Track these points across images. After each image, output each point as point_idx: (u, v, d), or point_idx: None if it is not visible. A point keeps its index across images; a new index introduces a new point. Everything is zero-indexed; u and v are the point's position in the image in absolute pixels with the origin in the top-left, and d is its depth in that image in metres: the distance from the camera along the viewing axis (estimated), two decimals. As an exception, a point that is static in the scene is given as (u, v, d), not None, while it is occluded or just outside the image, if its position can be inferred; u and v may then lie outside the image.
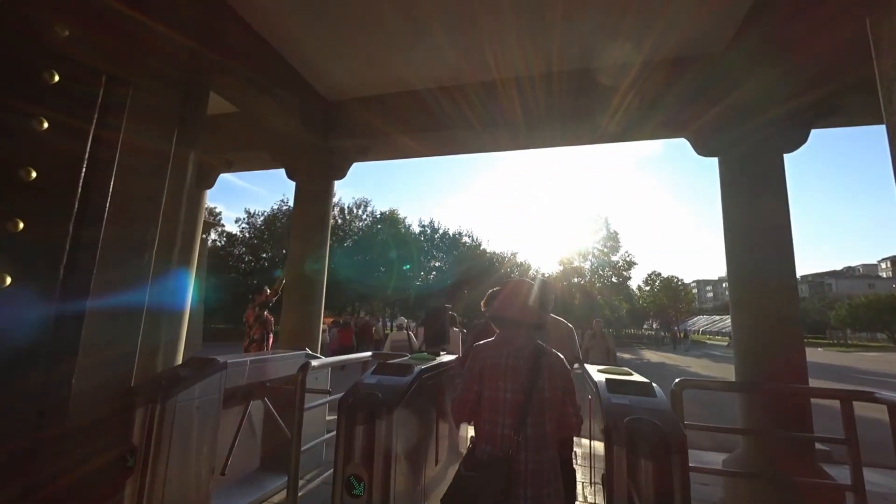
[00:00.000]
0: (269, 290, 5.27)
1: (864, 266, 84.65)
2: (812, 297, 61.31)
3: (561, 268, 37.96)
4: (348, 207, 32.92)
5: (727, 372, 15.14)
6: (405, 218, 35.38)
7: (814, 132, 4.13)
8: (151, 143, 2.68)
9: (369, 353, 3.76)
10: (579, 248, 37.88)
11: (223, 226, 35.68)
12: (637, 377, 2.73)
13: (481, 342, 1.87)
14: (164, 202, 2.81)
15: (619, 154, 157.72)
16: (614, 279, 36.10)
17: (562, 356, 1.81)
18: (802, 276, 79.98)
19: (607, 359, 7.93)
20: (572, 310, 35.17)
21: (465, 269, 31.74)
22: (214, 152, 5.93)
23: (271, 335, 5.28)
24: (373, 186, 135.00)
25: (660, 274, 46.68)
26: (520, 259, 37.88)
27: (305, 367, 2.83)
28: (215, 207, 37.69)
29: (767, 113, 3.97)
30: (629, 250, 38.00)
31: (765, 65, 3.75)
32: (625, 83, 4.13)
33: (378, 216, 33.21)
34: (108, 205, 2.44)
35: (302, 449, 3.27)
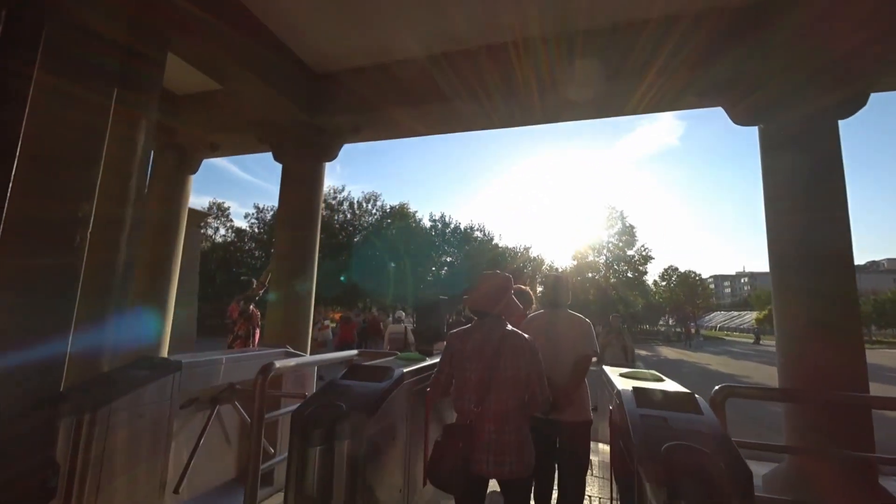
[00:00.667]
0: (255, 284, 4.87)
1: (889, 260, 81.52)
2: (836, 292, 59.00)
3: (575, 262, 37.15)
4: (357, 202, 32.59)
5: (748, 370, 14.38)
6: (416, 212, 34.94)
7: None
8: (82, 98, 2.24)
9: (354, 352, 3.29)
10: (594, 242, 37.00)
11: (231, 220, 35.78)
12: (671, 384, 2.20)
13: (455, 330, 2.03)
14: (100, 173, 2.37)
15: (618, 153, 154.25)
16: (630, 274, 35.12)
17: (528, 338, 1.89)
18: (826, 271, 77.23)
19: (624, 357, 7.37)
20: (587, 305, 34.34)
21: (476, 264, 31.22)
22: (197, 134, 5.53)
23: (258, 331, 4.88)
24: (381, 180, 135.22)
25: (677, 269, 45.36)
26: (533, 253, 37.18)
27: (267, 368, 2.38)
28: (223, 202, 37.68)
29: (821, 72, 3.37)
30: (645, 244, 36.88)
31: (821, 18, 3.15)
32: (662, 42, 3.54)
33: (388, 210, 32.81)
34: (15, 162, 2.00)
35: (270, 463, 2.83)
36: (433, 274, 33.14)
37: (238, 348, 4.74)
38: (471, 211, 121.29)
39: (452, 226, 34.34)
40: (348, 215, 31.64)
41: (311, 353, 11.18)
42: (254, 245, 30.71)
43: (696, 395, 1.82)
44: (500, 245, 35.40)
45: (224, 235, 33.57)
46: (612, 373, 2.52)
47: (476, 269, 30.93)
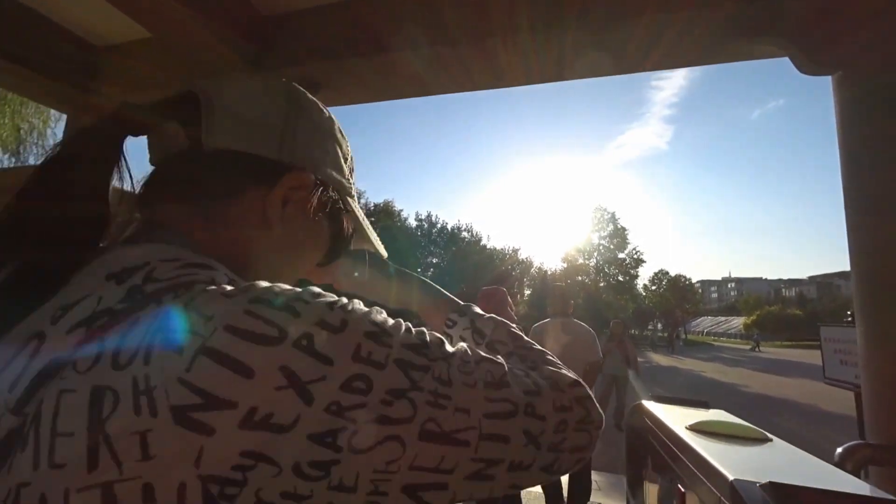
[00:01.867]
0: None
1: None
2: (821, 298, 59.76)
3: (564, 265, 36.60)
4: (342, 199, 31.58)
5: (745, 378, 13.74)
6: (401, 210, 34.01)
7: None
8: None
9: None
10: (583, 245, 36.49)
11: None
12: (800, 453, 1.28)
13: None
14: None
15: (607, 157, 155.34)
16: (620, 277, 34.65)
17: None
18: (810, 277, 78.38)
19: (627, 366, 6.54)
20: (576, 311, 33.71)
21: (464, 266, 30.40)
22: (117, 93, 4.50)
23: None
24: (365, 180, 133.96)
25: (667, 273, 45.15)
26: (522, 255, 36.53)
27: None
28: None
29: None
30: (637, 247, 36.42)
31: None
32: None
33: (372, 208, 31.84)
34: None
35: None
36: (418, 276, 32.15)
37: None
38: (458, 210, 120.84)
39: (439, 226, 33.51)
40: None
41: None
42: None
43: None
44: (488, 246, 34.67)
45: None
46: (672, 419, 1.58)
47: (463, 271, 30.13)
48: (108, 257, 0.29)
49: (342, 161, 0.43)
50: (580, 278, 35.59)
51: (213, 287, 0.26)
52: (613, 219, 35.82)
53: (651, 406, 1.83)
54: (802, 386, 12.12)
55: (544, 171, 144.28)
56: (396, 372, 0.26)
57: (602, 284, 36.32)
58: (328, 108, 0.46)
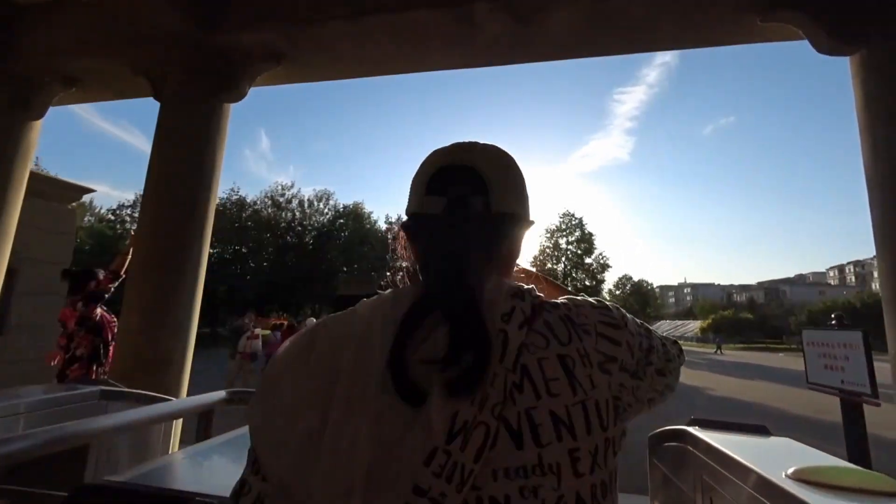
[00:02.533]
0: (102, 274, 3.16)
1: (814, 274, 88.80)
2: (769, 303, 63.21)
3: (534, 270, 36.86)
4: (308, 200, 30.32)
5: (709, 381, 13.97)
6: (371, 213, 33.17)
7: None
8: None
9: (221, 394, 1.77)
10: (550, 251, 36.82)
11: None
12: None
13: None
14: None
15: (571, 165, 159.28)
16: (587, 283, 35.17)
17: None
18: (759, 283, 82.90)
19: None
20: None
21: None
22: (43, 59, 3.79)
23: (111, 349, 3.20)
24: (337, 185, 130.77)
25: (631, 278, 46.37)
26: (491, 260, 36.48)
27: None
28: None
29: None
30: (603, 252, 37.13)
31: None
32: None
33: (341, 210, 30.83)
34: None
35: None
36: (387, 279, 31.35)
37: (74, 376, 3.07)
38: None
39: (410, 229, 32.87)
40: (297, 214, 29.26)
41: (236, 369, 9.25)
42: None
43: None
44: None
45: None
46: (748, 456, 1.20)
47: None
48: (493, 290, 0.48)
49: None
50: (547, 285, 35.90)
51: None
52: (581, 224, 36.37)
53: (698, 433, 1.46)
54: (769, 389, 12.42)
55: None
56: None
57: (569, 288, 36.78)
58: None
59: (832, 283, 79.55)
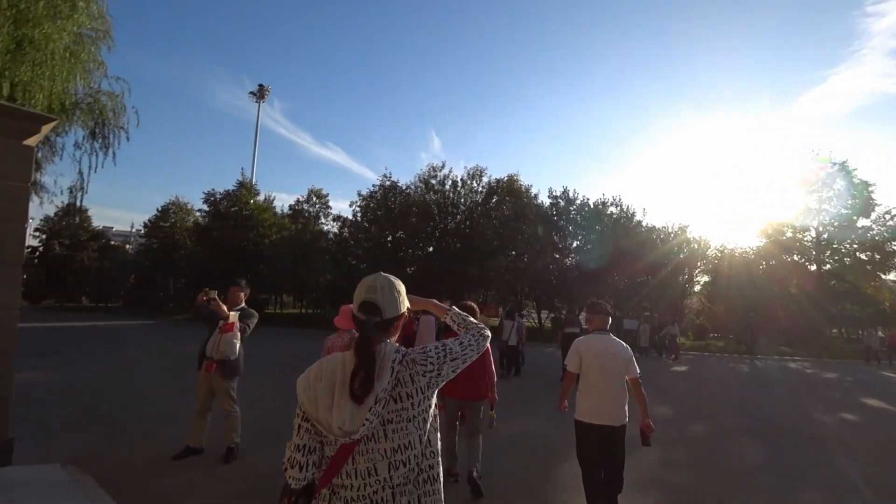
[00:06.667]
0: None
1: None
2: None
3: (763, 241, 26.61)
4: (461, 179, 28.15)
5: None
6: (529, 186, 29.10)
7: None
8: None
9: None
10: (792, 214, 25.85)
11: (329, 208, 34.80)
12: None
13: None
14: None
15: (799, 113, 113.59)
16: (863, 255, 23.32)
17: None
18: None
19: None
20: (785, 300, 23.84)
21: (613, 249, 24.11)
22: None
23: None
24: (484, 159, 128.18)
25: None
26: (691, 234, 27.94)
27: None
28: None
29: None
30: (892, 209, 24.02)
31: None
32: None
33: (494, 185, 27.75)
34: None
35: None
36: (556, 262, 26.95)
37: None
38: (602, 187, 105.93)
39: (579, 202, 27.38)
40: (451, 195, 27.40)
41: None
42: (364, 236, 28.59)
43: None
44: (644, 223, 27.26)
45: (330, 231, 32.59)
46: None
47: (613, 254, 23.79)
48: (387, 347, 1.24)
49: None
50: (796, 257, 25.18)
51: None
52: (846, 170, 24.32)
53: None
54: None
55: (711, 140, 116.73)
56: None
57: (828, 266, 25.30)
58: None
59: None
